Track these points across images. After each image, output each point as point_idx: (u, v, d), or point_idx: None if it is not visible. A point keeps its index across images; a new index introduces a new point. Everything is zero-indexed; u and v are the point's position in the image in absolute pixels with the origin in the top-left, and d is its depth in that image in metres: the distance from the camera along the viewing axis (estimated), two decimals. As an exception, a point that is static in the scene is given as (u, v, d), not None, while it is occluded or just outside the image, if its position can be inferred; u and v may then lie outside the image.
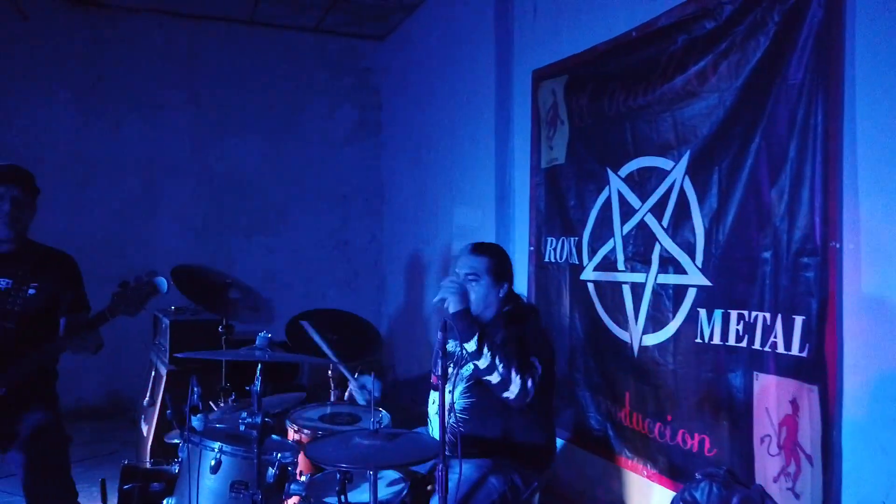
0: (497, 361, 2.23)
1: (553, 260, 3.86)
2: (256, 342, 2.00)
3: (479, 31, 4.66)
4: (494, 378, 2.24)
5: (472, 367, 2.39)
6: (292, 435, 2.81)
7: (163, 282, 2.38)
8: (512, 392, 2.24)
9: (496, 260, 2.55)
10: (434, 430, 2.49)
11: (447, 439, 2.45)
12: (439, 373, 1.85)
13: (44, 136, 5.61)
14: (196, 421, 2.03)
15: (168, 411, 2.02)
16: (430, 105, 5.58)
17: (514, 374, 2.23)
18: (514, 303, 2.58)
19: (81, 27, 5.70)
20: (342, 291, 6.45)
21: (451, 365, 2.52)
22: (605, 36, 3.36)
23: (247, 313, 3.53)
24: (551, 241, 3.89)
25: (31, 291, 2.49)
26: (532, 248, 4.07)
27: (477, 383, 2.39)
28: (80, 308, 2.56)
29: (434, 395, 2.54)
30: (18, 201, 2.51)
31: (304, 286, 6.30)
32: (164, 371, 3.76)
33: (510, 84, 4.30)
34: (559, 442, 3.78)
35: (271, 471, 2.01)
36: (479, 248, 2.58)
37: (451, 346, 2.59)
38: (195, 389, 2.00)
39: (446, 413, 2.44)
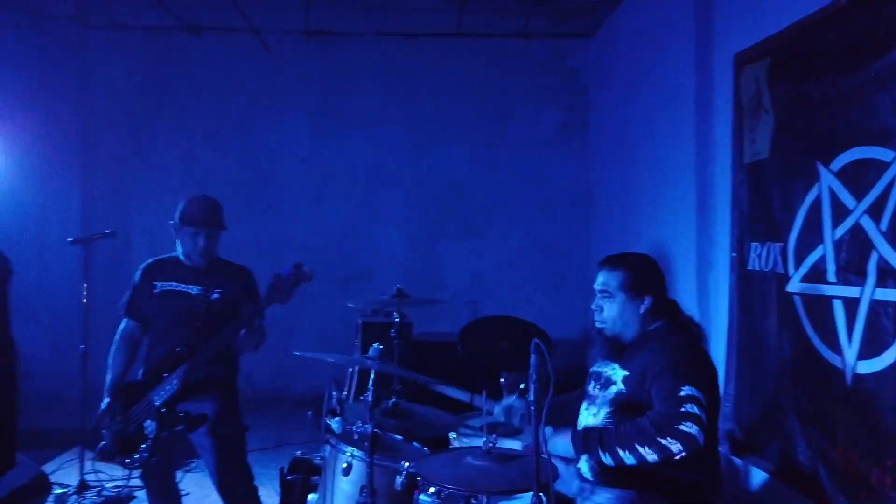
0: (631, 452, 2.05)
1: (757, 268, 3.40)
2: (370, 352, 2.05)
3: (680, 16, 4.28)
4: (651, 458, 2.06)
5: (615, 390, 2.20)
6: (454, 442, 2.83)
7: (306, 271, 2.61)
8: (678, 453, 2.03)
9: (632, 273, 2.31)
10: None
11: (591, 466, 2.30)
12: (532, 399, 1.72)
13: (283, 153, 6.41)
14: (335, 424, 2.15)
15: (309, 413, 2.16)
16: (634, 100, 5.27)
17: (661, 442, 2.02)
18: (669, 317, 2.31)
19: (314, 55, 6.39)
20: (548, 296, 6.38)
21: (596, 386, 2.34)
22: (812, 7, 2.87)
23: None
24: (755, 246, 3.43)
25: (214, 296, 2.88)
26: (734, 255, 3.62)
27: (622, 408, 2.18)
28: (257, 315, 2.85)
29: (583, 416, 2.38)
30: (211, 238, 2.90)
31: (511, 290, 6.35)
32: (356, 369, 4.06)
33: (711, 72, 3.88)
34: (762, 475, 3.33)
35: (399, 479, 2.05)
36: (611, 262, 2.35)
37: (599, 365, 2.41)
38: (332, 394, 2.12)
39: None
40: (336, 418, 2.16)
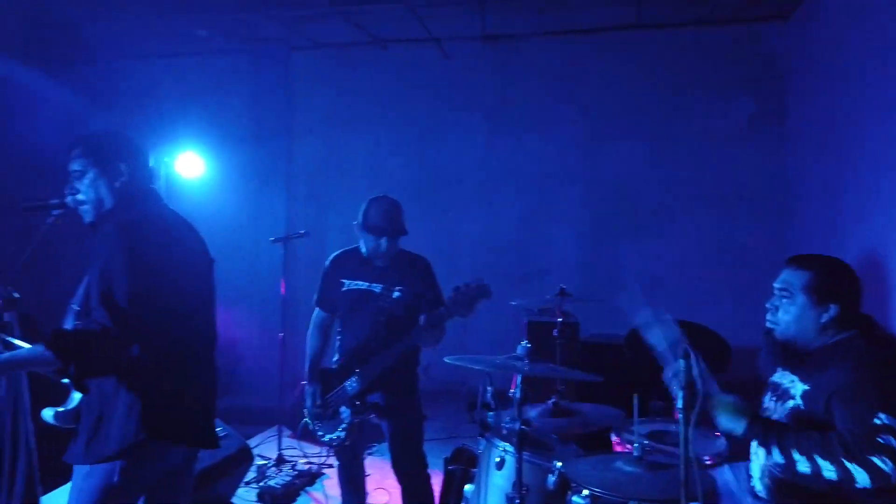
0: (808, 460, 1.85)
1: None
2: (518, 351, 2.06)
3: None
4: (828, 476, 1.85)
5: (792, 405, 2.01)
6: (618, 448, 2.76)
7: (487, 287, 2.67)
8: (861, 483, 1.81)
9: (821, 276, 2.06)
10: (754, 467, 2.17)
11: (766, 484, 2.12)
12: (680, 406, 1.61)
13: (461, 154, 6.64)
14: (490, 418, 2.19)
15: (464, 406, 2.23)
16: (838, 85, 4.75)
17: (845, 464, 1.81)
18: (860, 330, 2.05)
19: (490, 59, 6.53)
20: (736, 301, 5.91)
21: (773, 398, 2.16)
22: None
23: None
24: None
25: (395, 294, 3.03)
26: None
27: (800, 424, 1.99)
28: (436, 304, 2.98)
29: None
30: (393, 242, 3.04)
31: (692, 293, 6.00)
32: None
33: (928, 48, 3.39)
34: None
35: (552, 478, 2.05)
36: (799, 260, 2.13)
37: (778, 375, 2.21)
38: (487, 388, 2.17)
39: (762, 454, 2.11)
40: (491, 413, 2.21)
